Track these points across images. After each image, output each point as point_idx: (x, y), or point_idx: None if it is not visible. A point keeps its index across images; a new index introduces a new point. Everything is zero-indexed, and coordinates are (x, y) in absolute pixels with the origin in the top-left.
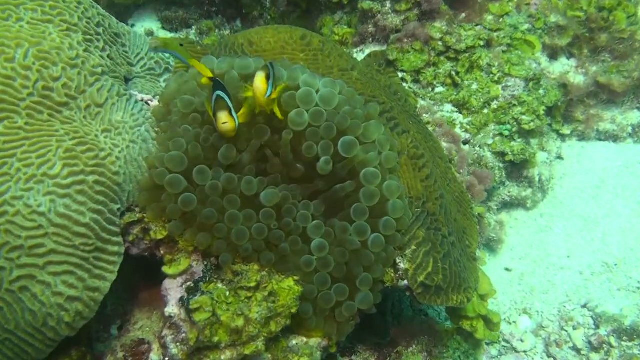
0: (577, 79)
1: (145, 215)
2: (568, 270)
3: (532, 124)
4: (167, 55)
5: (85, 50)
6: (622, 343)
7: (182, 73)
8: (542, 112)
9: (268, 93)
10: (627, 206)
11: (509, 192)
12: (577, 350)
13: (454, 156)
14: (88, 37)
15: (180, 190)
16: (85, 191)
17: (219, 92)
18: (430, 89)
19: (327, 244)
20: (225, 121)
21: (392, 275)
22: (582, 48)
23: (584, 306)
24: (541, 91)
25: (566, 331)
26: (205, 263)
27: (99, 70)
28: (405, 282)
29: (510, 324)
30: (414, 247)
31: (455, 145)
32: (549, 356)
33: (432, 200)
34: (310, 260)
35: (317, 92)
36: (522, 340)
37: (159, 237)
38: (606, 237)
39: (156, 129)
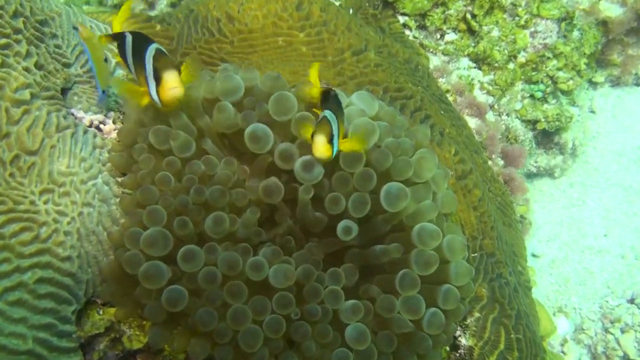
0: (614, 10)
1: (113, 314)
2: (607, 254)
3: (570, 82)
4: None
5: (1, 66)
6: None
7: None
8: (583, 67)
9: (334, 152)
10: None
11: (536, 162)
12: None
13: (483, 138)
14: (3, 40)
15: (163, 285)
16: (23, 300)
17: (155, 45)
18: (439, 37)
19: (368, 332)
20: (176, 86)
21: (447, 351)
22: None
23: (632, 301)
24: (576, 33)
25: (612, 334)
26: None
27: (26, 94)
28: None
29: None
30: (477, 315)
31: (481, 119)
32: None
33: (488, 235)
34: (347, 356)
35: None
36: (564, 353)
37: (136, 346)
38: None
39: (118, 179)
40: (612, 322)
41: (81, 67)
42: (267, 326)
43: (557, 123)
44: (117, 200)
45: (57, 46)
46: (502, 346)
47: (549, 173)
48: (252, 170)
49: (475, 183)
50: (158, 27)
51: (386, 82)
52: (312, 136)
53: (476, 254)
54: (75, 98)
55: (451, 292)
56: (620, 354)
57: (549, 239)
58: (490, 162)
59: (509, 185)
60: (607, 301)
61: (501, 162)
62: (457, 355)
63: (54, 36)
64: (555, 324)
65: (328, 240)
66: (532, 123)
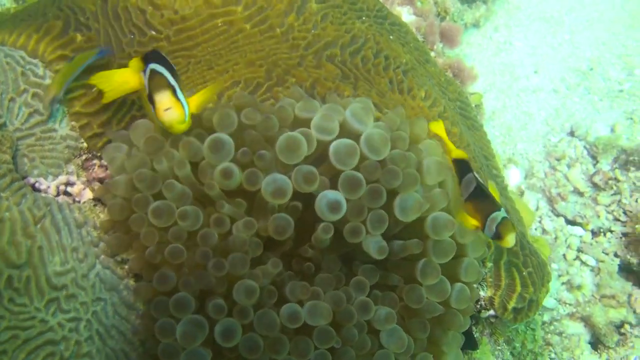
0: None
1: None
2: (541, 92)
3: None
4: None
5: None
6: (630, 175)
7: (118, 146)
8: None
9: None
10: None
11: (462, 20)
12: (580, 194)
13: (422, 33)
14: None
15: None
16: None
17: (153, 66)
18: None
19: (404, 336)
20: (169, 106)
21: None
22: None
23: (572, 134)
24: None
25: (560, 171)
26: None
27: None
28: (491, 312)
29: None
30: (489, 264)
31: (412, 6)
32: (557, 215)
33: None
34: (387, 358)
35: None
36: None
37: None
38: (574, 37)
39: (117, 258)
40: (557, 160)
41: (16, 119)
42: None
43: None
44: (125, 282)
45: None
46: (518, 288)
47: (474, 24)
48: (256, 210)
49: (452, 121)
50: (79, 37)
51: (339, 37)
52: (500, 230)
53: None
54: (26, 161)
55: (472, 266)
56: (570, 188)
57: (485, 90)
58: (433, 54)
59: (459, 77)
60: (549, 139)
61: (441, 46)
62: (478, 307)
63: None
64: (527, 202)
65: (338, 243)
66: None
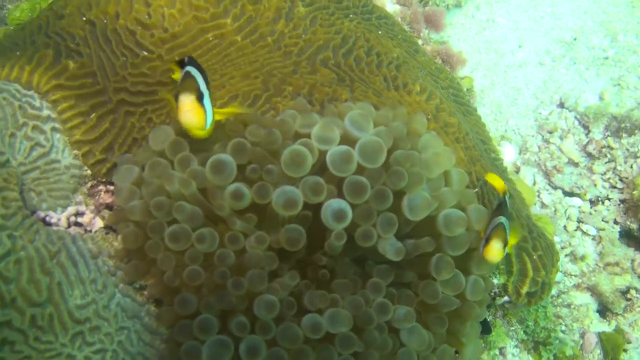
0: None
1: None
2: (528, 66)
3: None
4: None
5: None
6: (623, 141)
7: (130, 168)
8: None
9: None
10: None
11: (444, 2)
12: (575, 164)
13: (408, 22)
14: None
15: None
16: None
17: (189, 68)
18: None
19: (425, 333)
20: (189, 110)
21: None
22: None
23: (561, 105)
24: None
25: (554, 144)
26: None
27: (6, 242)
28: (505, 298)
29: None
30: None
31: None
32: (554, 188)
33: (476, 159)
34: (409, 355)
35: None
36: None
37: None
38: (556, 8)
39: (136, 285)
40: (550, 132)
41: (19, 153)
42: None
43: None
44: (146, 308)
45: None
46: (530, 272)
47: (456, 5)
48: (267, 222)
49: (449, 112)
50: (71, 64)
51: (330, 39)
52: (487, 237)
53: (476, 189)
54: (34, 195)
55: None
56: (565, 160)
57: (472, 69)
58: (420, 42)
59: (448, 63)
60: (540, 113)
61: (427, 32)
62: (492, 294)
63: None
64: (524, 180)
65: (349, 247)
66: None
